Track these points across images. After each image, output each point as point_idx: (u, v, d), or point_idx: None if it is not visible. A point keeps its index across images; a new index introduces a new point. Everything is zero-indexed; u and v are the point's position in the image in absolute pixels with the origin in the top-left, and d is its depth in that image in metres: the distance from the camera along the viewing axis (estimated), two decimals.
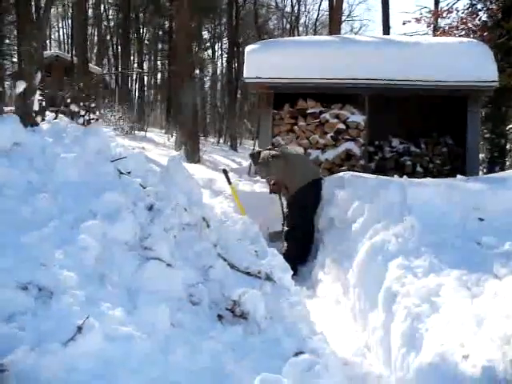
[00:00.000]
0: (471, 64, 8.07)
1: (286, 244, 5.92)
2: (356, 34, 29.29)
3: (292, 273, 3.59)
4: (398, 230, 3.86)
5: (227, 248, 3.34)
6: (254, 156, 6.65)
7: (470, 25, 13.70)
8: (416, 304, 3.10)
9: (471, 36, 12.73)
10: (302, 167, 6.25)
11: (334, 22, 16.98)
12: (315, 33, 31.98)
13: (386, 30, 19.53)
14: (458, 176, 5.11)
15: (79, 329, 2.02)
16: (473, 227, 3.67)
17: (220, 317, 2.79)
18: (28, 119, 3.58)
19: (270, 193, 6.22)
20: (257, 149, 7.16)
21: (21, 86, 3.70)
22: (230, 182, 6.56)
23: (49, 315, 2.17)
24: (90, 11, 27.93)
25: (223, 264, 3.13)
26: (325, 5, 31.50)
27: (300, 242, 5.94)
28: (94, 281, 2.50)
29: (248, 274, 3.19)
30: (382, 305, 3.44)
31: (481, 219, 3.73)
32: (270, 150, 6.44)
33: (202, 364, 2.40)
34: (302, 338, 2.82)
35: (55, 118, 4.01)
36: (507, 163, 13.35)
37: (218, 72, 37.36)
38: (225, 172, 6.74)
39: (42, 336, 2.06)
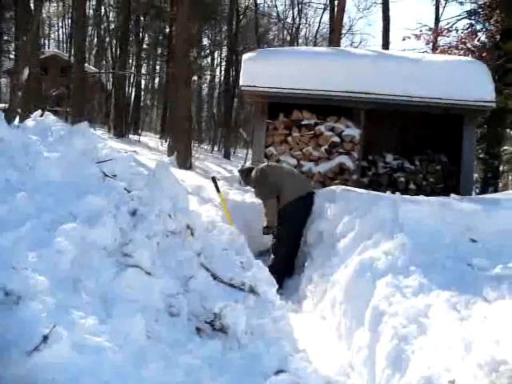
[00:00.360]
0: (469, 83, 8.02)
1: (272, 257, 5.82)
2: (356, 48, 29.32)
3: (277, 286, 3.49)
4: (388, 247, 3.78)
5: (211, 258, 3.22)
6: (243, 172, 6.55)
7: (468, 45, 13.73)
8: (403, 324, 3.02)
9: (470, 56, 12.75)
10: (293, 181, 6.14)
11: (334, 35, 16.97)
12: (315, 45, 32.05)
13: (386, 45, 19.61)
14: (452, 195, 5.05)
15: (45, 338, 1.90)
16: (465, 248, 3.60)
17: (199, 330, 2.67)
18: (12, 114, 3.47)
19: (264, 234, 6.08)
20: (246, 165, 7.02)
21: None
22: (218, 190, 6.43)
23: (14, 322, 2.04)
24: (91, 12, 27.90)
25: (206, 274, 3.01)
26: (326, 18, 31.55)
27: (287, 255, 5.84)
28: (68, 287, 2.38)
29: (231, 285, 3.08)
30: (369, 323, 3.36)
31: (473, 240, 3.66)
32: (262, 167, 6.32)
33: (177, 379, 2.30)
34: (283, 355, 2.72)
35: (41, 116, 3.90)
36: (500, 184, 13.37)
37: (216, 80, 37.37)
38: (214, 180, 6.61)
39: (5, 344, 1.93)
